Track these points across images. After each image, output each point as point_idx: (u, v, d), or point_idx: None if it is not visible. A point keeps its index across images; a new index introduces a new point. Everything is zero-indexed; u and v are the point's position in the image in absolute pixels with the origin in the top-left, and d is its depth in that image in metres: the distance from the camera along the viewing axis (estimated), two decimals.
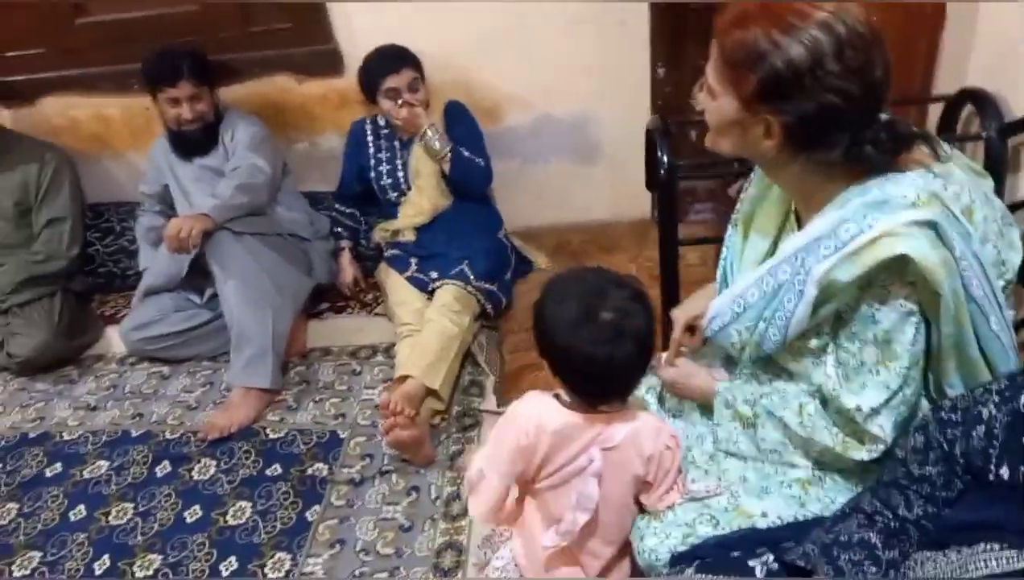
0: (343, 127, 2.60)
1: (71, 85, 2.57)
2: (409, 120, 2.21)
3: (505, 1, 2.31)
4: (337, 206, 2.55)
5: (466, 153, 2.28)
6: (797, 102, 0.91)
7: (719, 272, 1.25)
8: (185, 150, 2.42)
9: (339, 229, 2.54)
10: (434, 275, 2.24)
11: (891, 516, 0.93)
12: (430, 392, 1.94)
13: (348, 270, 2.52)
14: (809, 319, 0.98)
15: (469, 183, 2.32)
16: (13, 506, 1.86)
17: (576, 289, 1.07)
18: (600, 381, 1.07)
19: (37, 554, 1.73)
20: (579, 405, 1.10)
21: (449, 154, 2.25)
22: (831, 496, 1.07)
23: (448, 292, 2.14)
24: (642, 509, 1.18)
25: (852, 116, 0.92)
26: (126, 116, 2.65)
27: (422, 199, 2.33)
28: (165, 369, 2.30)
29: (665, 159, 1.62)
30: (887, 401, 0.98)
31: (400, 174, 2.36)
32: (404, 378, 1.94)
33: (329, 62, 2.48)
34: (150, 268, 2.37)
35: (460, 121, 2.35)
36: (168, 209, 2.56)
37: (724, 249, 1.26)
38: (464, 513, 1.69)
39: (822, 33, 0.88)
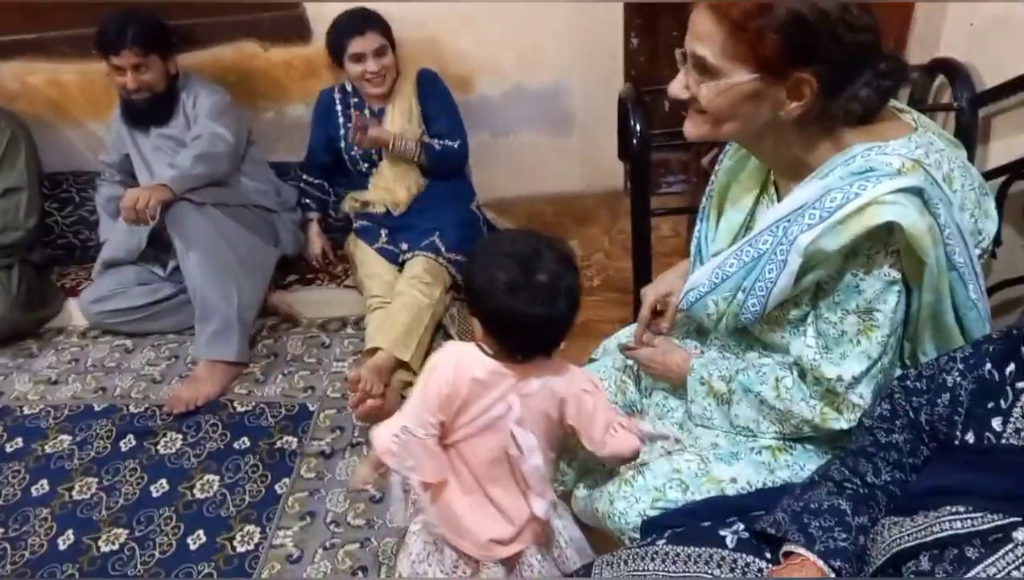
0: (310, 96, 2.53)
1: (26, 49, 2.48)
2: (370, 143, 2.19)
3: None
4: (304, 177, 2.50)
5: (438, 143, 2.24)
6: (830, 50, 0.89)
7: (693, 245, 1.24)
8: (136, 120, 2.33)
9: (307, 200, 2.49)
10: (404, 246, 2.21)
11: (859, 483, 0.93)
12: (400, 364, 1.92)
13: (316, 242, 2.48)
14: (791, 289, 0.98)
15: (446, 167, 2.29)
16: None
17: (510, 252, 1.07)
18: (533, 338, 1.09)
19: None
20: (502, 356, 1.11)
21: (422, 151, 2.22)
22: (800, 462, 1.08)
23: (418, 263, 2.11)
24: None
25: (874, 49, 0.91)
26: (84, 83, 2.55)
27: (396, 184, 2.28)
28: (128, 342, 2.25)
29: (638, 128, 1.60)
30: (867, 370, 0.99)
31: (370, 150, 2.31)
32: (374, 350, 1.92)
33: (295, 28, 2.42)
34: (109, 240, 2.30)
35: (434, 94, 2.30)
36: (129, 178, 2.49)
37: (698, 221, 1.25)
38: None
39: None
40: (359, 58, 2.17)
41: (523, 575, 1.22)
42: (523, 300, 1.03)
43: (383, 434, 1.13)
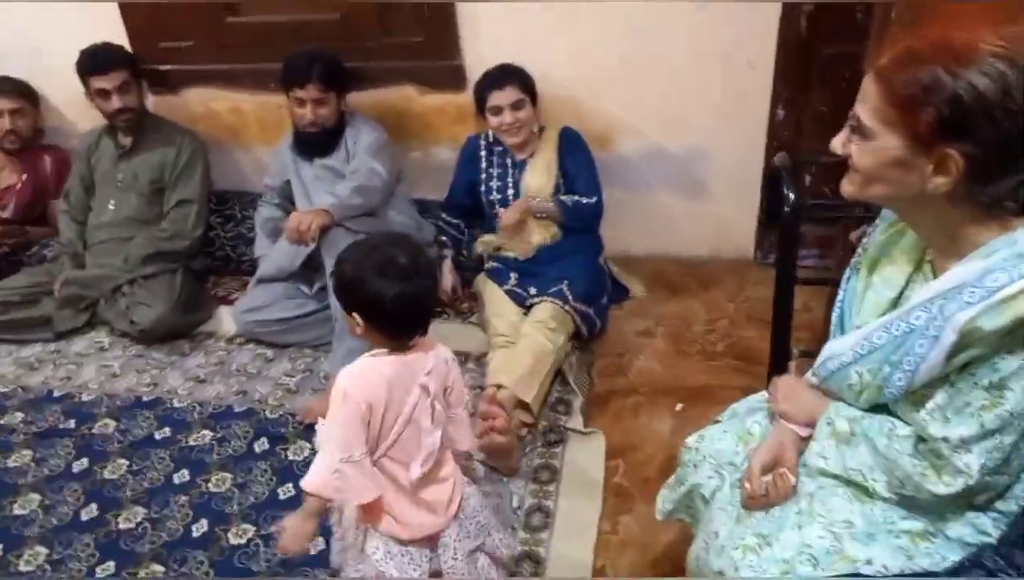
0: (457, 140, 2.69)
1: (214, 78, 2.76)
2: (515, 224, 2.35)
3: (638, 29, 2.37)
4: (443, 216, 2.63)
5: (572, 200, 2.34)
6: (982, 132, 0.90)
7: (834, 313, 1.23)
8: (304, 149, 2.55)
9: (443, 238, 2.62)
10: (532, 291, 2.29)
11: (1015, 574, 0.90)
12: (520, 404, 1.97)
13: (448, 278, 2.59)
14: (942, 366, 0.97)
15: (580, 223, 2.38)
16: (124, 462, 1.99)
17: (369, 248, 1.25)
18: (409, 315, 1.23)
19: (142, 510, 1.85)
20: (396, 348, 1.24)
21: (558, 213, 2.33)
22: (942, 553, 1.04)
23: (545, 309, 2.17)
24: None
25: None
26: (259, 112, 2.82)
27: (530, 232, 2.38)
28: (269, 352, 2.41)
29: (791, 197, 1.61)
30: (979, 438, 0.96)
31: (510, 192, 2.42)
32: (497, 387, 1.98)
33: (453, 77, 2.58)
34: (267, 256, 2.50)
35: (574, 151, 2.40)
36: (287, 203, 2.71)
37: (841, 293, 1.24)
38: (544, 526, 1.72)
39: (1002, 64, 0.89)
40: (497, 110, 2.31)
41: (442, 554, 1.33)
42: (391, 279, 1.18)
43: (316, 479, 1.21)
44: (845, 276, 1.24)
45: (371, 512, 1.30)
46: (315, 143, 2.52)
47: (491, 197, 2.46)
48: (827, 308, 1.79)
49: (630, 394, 2.11)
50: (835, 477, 1.13)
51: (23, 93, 2.77)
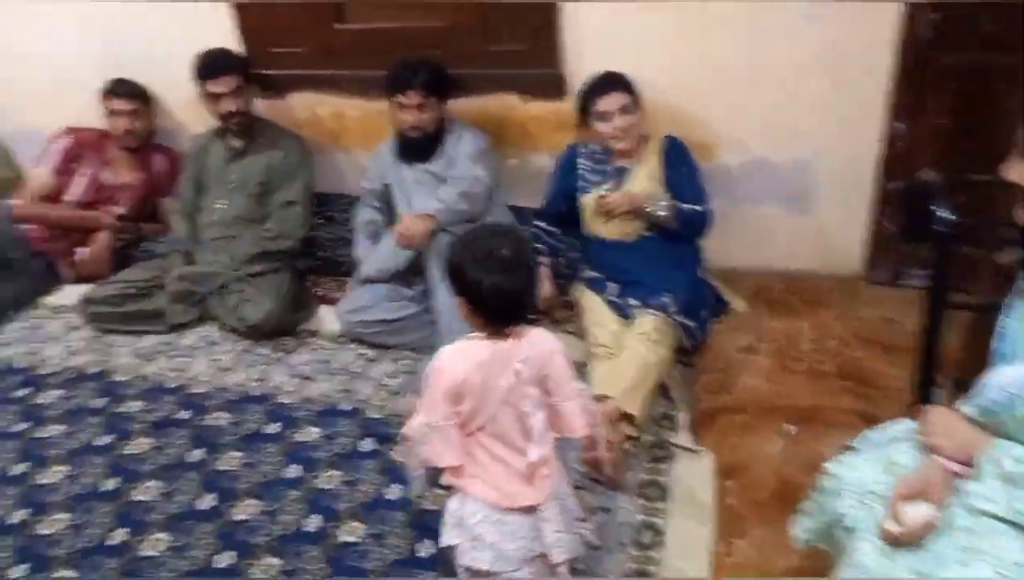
0: (557, 148, 2.69)
1: (320, 84, 2.83)
2: (628, 204, 2.30)
3: (744, 36, 2.34)
4: (539, 223, 2.62)
5: (687, 207, 2.29)
6: None
7: (995, 341, 1.18)
8: (407, 154, 2.60)
9: (539, 245, 2.61)
10: (634, 302, 2.27)
11: None
12: (624, 416, 1.96)
13: (544, 286, 2.59)
14: None
15: (691, 232, 2.34)
16: (237, 454, 2.06)
17: (477, 237, 1.36)
18: (507, 305, 1.32)
19: (256, 502, 1.91)
20: (492, 334, 1.34)
21: (672, 216, 2.28)
22: None
23: (649, 321, 2.15)
24: None
25: None
26: (362, 117, 2.87)
27: (628, 224, 2.37)
28: (371, 352, 2.46)
29: (945, 217, 1.54)
30: None
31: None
32: (601, 398, 1.98)
33: (554, 85, 2.58)
34: (370, 258, 2.55)
35: (680, 161, 2.36)
36: (385, 206, 2.76)
37: (1002, 317, 1.19)
38: (655, 544, 1.70)
39: None
40: (605, 115, 2.29)
41: (543, 529, 1.40)
42: (491, 270, 1.28)
43: (414, 437, 1.37)
44: (1005, 302, 1.19)
45: (463, 479, 1.40)
46: (417, 148, 2.56)
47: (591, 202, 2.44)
48: (966, 334, 1.73)
49: (736, 412, 2.07)
50: (1002, 520, 1.08)
51: (139, 96, 2.90)
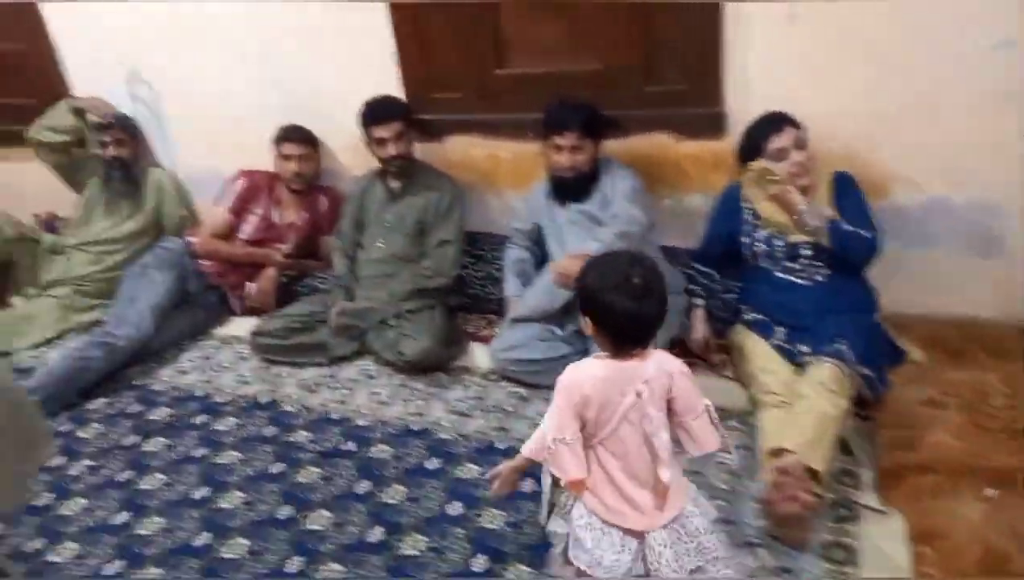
0: (711, 188, 2.65)
1: (475, 127, 2.91)
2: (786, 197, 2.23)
3: (920, 71, 2.24)
4: (695, 265, 2.58)
5: (846, 226, 2.19)
6: None
7: None
8: (561, 194, 2.63)
9: (695, 287, 2.57)
10: (804, 348, 2.17)
11: None
12: (807, 471, 1.85)
13: (700, 328, 2.53)
14: None
15: (850, 255, 2.23)
16: (401, 488, 2.10)
17: (613, 261, 1.44)
18: (635, 329, 1.40)
19: (423, 538, 1.93)
20: (616, 354, 1.43)
21: (827, 229, 2.18)
22: None
23: (825, 369, 2.03)
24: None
25: None
26: (515, 159, 2.92)
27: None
28: (523, 391, 2.47)
29: None
30: None
31: (777, 241, 2.33)
32: (778, 451, 1.88)
33: (714, 125, 2.55)
34: (525, 298, 2.58)
35: (846, 193, 2.29)
36: (534, 246, 2.80)
37: None
38: None
39: None
40: (781, 153, 2.24)
41: (648, 556, 1.45)
42: (624, 295, 1.35)
43: (532, 446, 1.54)
44: None
45: (579, 486, 1.48)
46: (571, 188, 2.59)
47: (755, 248, 2.37)
48: None
49: (925, 472, 1.92)
50: None
51: (309, 140, 3.08)
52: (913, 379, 2.24)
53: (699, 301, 2.56)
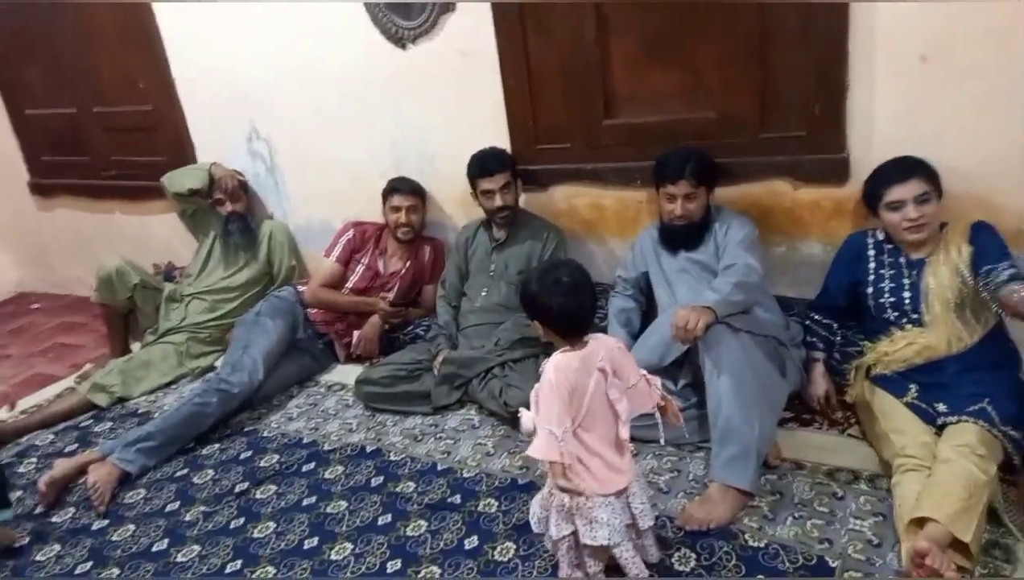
0: (829, 236, 2.54)
1: (582, 177, 2.90)
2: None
3: None
4: (814, 315, 2.46)
5: None
6: None
7: None
8: (672, 243, 2.57)
9: (813, 339, 2.44)
10: (943, 408, 2.01)
11: None
12: (955, 543, 1.69)
13: (820, 383, 2.40)
14: None
15: None
16: (511, 545, 2.03)
17: (543, 270, 1.73)
18: (576, 320, 1.66)
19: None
20: (573, 345, 1.67)
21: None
22: None
23: (970, 431, 1.88)
24: None
25: None
26: (618, 207, 2.90)
27: (936, 333, 2.11)
28: (632, 446, 2.35)
29: None
30: None
31: (906, 295, 2.18)
32: (921, 521, 1.73)
33: (835, 171, 2.45)
34: (638, 350, 2.50)
35: (989, 238, 2.11)
36: (639, 295, 2.73)
37: None
38: None
39: None
40: (899, 205, 2.14)
41: (631, 503, 1.72)
42: (558, 294, 1.63)
43: (542, 447, 1.60)
44: None
45: (577, 472, 1.64)
46: (682, 236, 2.53)
47: (881, 300, 2.23)
48: None
49: None
50: None
51: (418, 193, 3.15)
52: None
53: (818, 354, 2.43)
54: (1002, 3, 2.09)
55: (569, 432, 1.61)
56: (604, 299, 2.80)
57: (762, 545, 1.91)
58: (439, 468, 2.43)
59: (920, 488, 1.83)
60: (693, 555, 1.90)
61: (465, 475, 2.36)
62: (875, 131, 2.34)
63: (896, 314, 2.21)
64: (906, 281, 2.20)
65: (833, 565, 1.82)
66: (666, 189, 2.48)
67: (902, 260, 2.23)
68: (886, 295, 2.23)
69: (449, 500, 2.26)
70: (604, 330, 2.71)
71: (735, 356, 2.13)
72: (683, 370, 2.41)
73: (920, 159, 2.18)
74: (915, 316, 2.17)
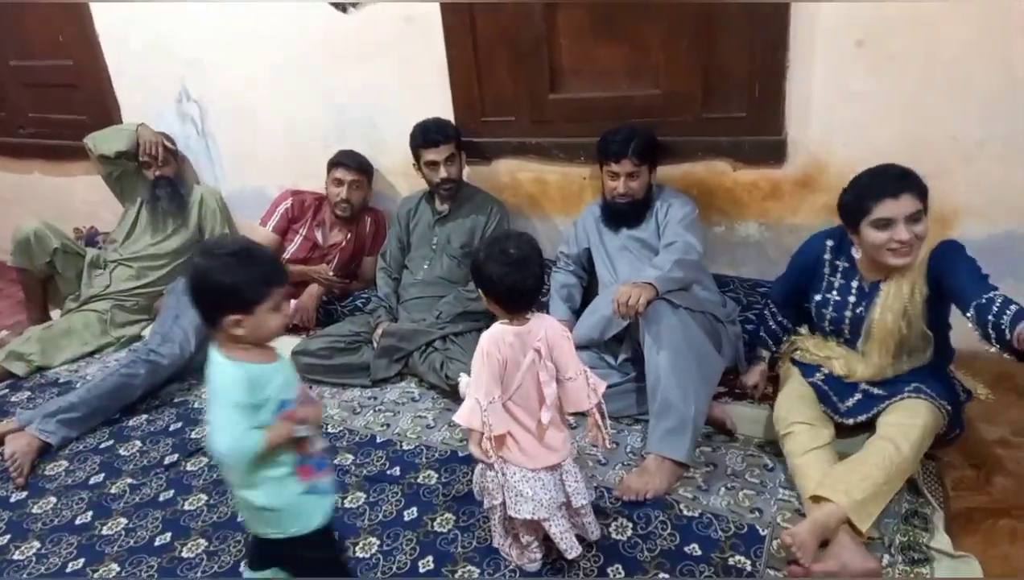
0: (766, 217, 2.62)
1: (526, 151, 2.89)
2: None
3: (993, 104, 2.20)
4: (772, 308, 2.38)
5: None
6: None
7: None
8: (615, 220, 2.59)
9: (764, 334, 2.39)
10: (850, 404, 2.05)
11: None
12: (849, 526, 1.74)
13: (755, 375, 2.40)
14: None
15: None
16: (450, 516, 2.03)
17: (493, 240, 1.69)
18: (519, 294, 1.63)
19: (476, 570, 1.86)
20: (514, 319, 1.66)
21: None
22: None
23: (905, 403, 1.91)
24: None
25: None
26: (562, 183, 2.91)
27: (864, 365, 2.07)
28: (571, 419, 2.40)
29: None
30: None
31: (847, 324, 2.09)
32: (818, 499, 1.79)
33: (774, 153, 2.50)
34: (580, 326, 2.52)
35: (949, 266, 1.91)
36: (581, 270, 2.76)
37: None
38: None
39: None
40: (886, 224, 1.86)
41: (565, 481, 1.73)
42: (503, 265, 1.59)
43: (465, 414, 1.64)
44: None
45: (504, 446, 1.68)
46: (624, 214, 2.55)
47: (823, 314, 2.15)
48: None
49: (1000, 515, 1.83)
50: None
51: (365, 170, 3.08)
52: (981, 418, 2.17)
53: (765, 353, 2.41)
54: None
55: (496, 403, 1.63)
56: (547, 274, 2.81)
57: (696, 514, 1.96)
58: (378, 440, 2.40)
59: (824, 456, 1.90)
60: (630, 524, 1.94)
61: (404, 447, 2.35)
62: (812, 113, 2.41)
63: (832, 330, 2.16)
64: (847, 313, 2.08)
65: (763, 533, 1.88)
66: (609, 167, 2.49)
67: (853, 284, 2.07)
68: (829, 313, 2.13)
69: (388, 472, 2.24)
70: (546, 305, 2.74)
71: (674, 332, 2.17)
72: (623, 345, 2.44)
73: (910, 170, 1.89)
74: (851, 340, 2.11)
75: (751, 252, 2.68)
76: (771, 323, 2.39)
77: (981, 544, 1.77)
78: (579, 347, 2.42)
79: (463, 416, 1.65)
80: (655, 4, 2.47)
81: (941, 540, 1.77)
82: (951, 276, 1.86)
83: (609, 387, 2.34)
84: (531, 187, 2.97)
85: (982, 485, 1.95)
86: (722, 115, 2.51)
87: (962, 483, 1.97)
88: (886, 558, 1.75)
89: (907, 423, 1.87)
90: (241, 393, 1.36)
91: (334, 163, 3.04)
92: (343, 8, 2.92)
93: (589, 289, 2.78)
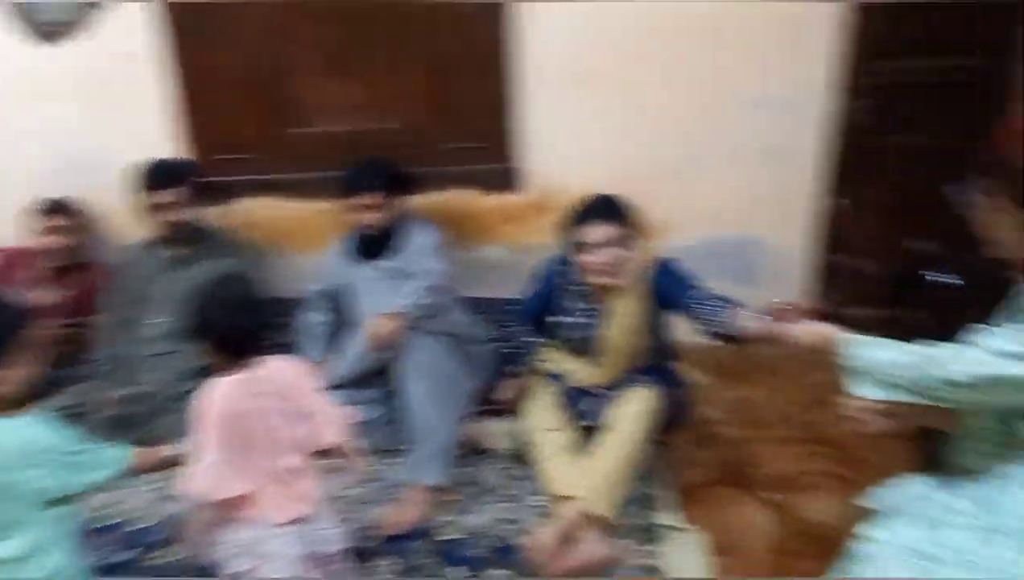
0: (510, 240, 2.75)
1: (268, 188, 2.79)
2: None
3: (693, 126, 2.56)
4: (525, 327, 2.39)
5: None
6: None
7: None
8: (363, 252, 2.56)
9: (515, 350, 2.42)
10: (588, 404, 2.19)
11: None
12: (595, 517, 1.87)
13: (508, 393, 2.41)
14: None
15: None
16: None
17: (207, 294, 1.58)
18: (234, 341, 1.54)
19: None
20: (238, 368, 1.53)
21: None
22: None
23: (633, 394, 2.07)
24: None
25: None
26: (307, 219, 2.83)
27: (601, 372, 2.20)
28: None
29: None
30: None
31: (580, 335, 2.21)
32: (564, 498, 1.91)
33: (506, 179, 2.66)
34: (338, 363, 2.43)
35: (673, 278, 2.13)
36: (332, 308, 2.68)
37: None
38: None
39: None
40: (586, 247, 2.04)
41: (317, 526, 1.62)
42: (217, 312, 1.52)
43: (199, 482, 1.48)
44: None
45: (244, 504, 1.54)
46: (373, 245, 2.53)
47: (560, 330, 2.26)
48: None
49: (715, 486, 2.07)
50: None
51: (73, 212, 2.75)
52: (703, 402, 2.43)
53: (517, 368, 2.45)
54: (636, 35, 2.45)
55: (228, 460, 1.49)
56: (292, 314, 2.69)
57: (462, 536, 1.98)
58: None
59: (568, 458, 2.02)
60: (397, 560, 1.91)
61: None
62: (543, 143, 2.61)
63: (569, 345, 2.26)
64: (579, 333, 2.20)
65: (521, 543, 1.94)
66: (356, 200, 2.46)
67: (583, 305, 2.19)
68: (564, 331, 2.23)
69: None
70: (292, 347, 2.63)
71: (428, 359, 2.20)
72: (382, 377, 2.41)
73: (612, 197, 2.07)
74: (587, 353, 2.22)
75: (499, 274, 2.80)
76: (521, 339, 2.50)
77: (706, 515, 1.98)
78: (337, 386, 2.40)
79: (194, 484, 1.48)
80: (388, 41, 2.53)
81: (669, 517, 1.95)
82: (670, 289, 2.07)
83: (368, 421, 2.34)
84: (273, 225, 2.86)
85: (702, 461, 2.18)
86: (459, 145, 2.63)
87: (687, 461, 2.19)
88: (628, 543, 1.89)
89: (632, 411, 2.02)
90: None
91: (42, 211, 2.70)
92: (48, 40, 2.62)
93: (342, 326, 2.72)
